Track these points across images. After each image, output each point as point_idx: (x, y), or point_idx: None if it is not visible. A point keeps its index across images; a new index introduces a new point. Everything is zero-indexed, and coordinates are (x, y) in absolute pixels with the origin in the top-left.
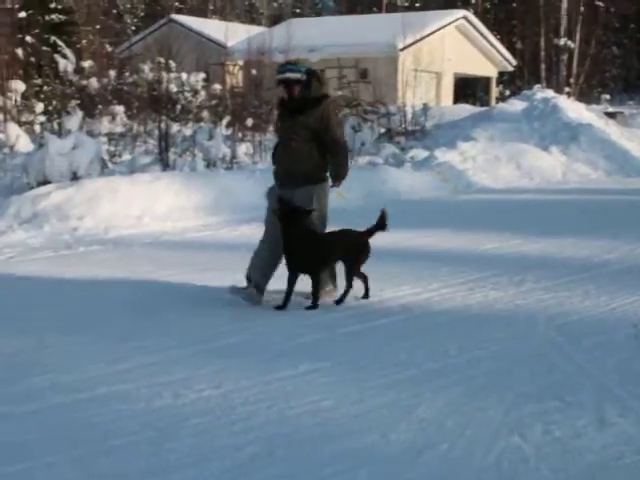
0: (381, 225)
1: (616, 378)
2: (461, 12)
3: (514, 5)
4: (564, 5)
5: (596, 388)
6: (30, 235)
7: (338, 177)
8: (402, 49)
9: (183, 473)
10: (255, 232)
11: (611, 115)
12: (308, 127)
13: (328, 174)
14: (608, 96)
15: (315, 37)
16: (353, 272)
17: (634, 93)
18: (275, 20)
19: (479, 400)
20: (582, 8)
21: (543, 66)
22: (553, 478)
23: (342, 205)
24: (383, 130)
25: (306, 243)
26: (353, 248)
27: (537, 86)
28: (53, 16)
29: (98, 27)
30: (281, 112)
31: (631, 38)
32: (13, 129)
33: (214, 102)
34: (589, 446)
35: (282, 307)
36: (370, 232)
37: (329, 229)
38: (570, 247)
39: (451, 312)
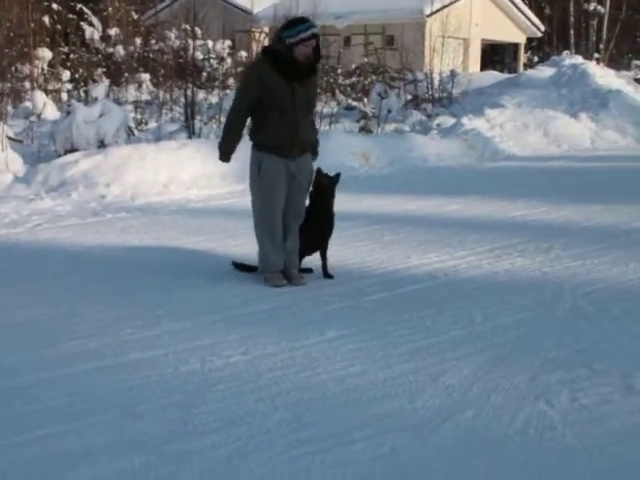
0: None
1: None
2: None
3: None
4: None
5: (624, 356)
6: (57, 203)
7: (316, 150)
8: (429, 15)
9: (210, 437)
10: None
11: None
12: (310, 94)
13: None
14: (639, 62)
15: (341, 3)
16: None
17: None
18: None
19: (505, 367)
20: None
21: (572, 32)
22: (579, 445)
23: (368, 172)
24: (410, 97)
25: (331, 217)
26: None
27: (566, 52)
28: None
29: None
30: (283, 77)
31: None
32: (40, 97)
33: (240, 69)
34: (616, 413)
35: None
36: None
37: None
38: (598, 214)
39: (478, 279)
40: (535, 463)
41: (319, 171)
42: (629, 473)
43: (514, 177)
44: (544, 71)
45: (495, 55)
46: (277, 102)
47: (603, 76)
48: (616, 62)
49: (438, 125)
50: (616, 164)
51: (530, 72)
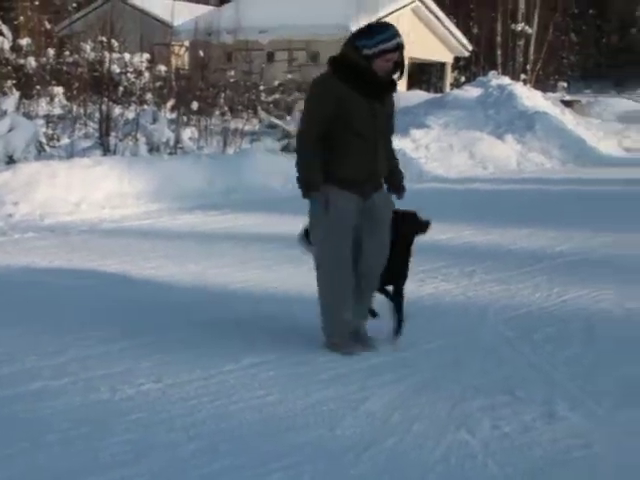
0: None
1: (566, 372)
2: None
3: None
4: None
5: (546, 382)
6: None
7: (401, 185)
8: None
9: (120, 470)
10: (198, 221)
11: (568, 103)
12: (391, 115)
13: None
14: (565, 84)
15: (265, 18)
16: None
17: (591, 81)
18: None
19: (427, 394)
20: None
21: (499, 52)
22: (501, 474)
23: (290, 193)
24: None
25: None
26: None
27: (492, 72)
28: None
29: (37, 2)
30: (362, 94)
31: (589, 25)
32: None
33: (158, 84)
34: (538, 441)
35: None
36: None
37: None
38: (523, 238)
39: None
40: None
41: (399, 215)
42: None
43: (439, 199)
44: (471, 91)
45: (422, 74)
46: (355, 125)
47: (529, 97)
48: (543, 83)
49: None
50: (542, 187)
51: (457, 92)
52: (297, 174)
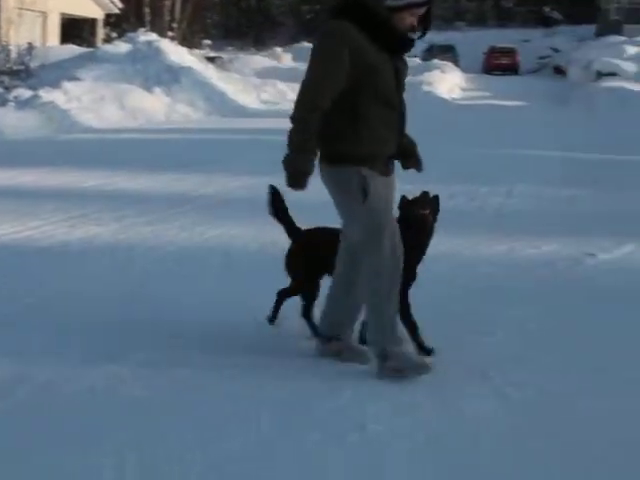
0: None
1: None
2: None
3: None
4: None
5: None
6: None
7: (419, 158)
8: None
9: None
10: None
11: (211, 59)
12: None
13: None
14: (209, 42)
15: None
16: None
17: (233, 39)
18: None
19: (76, 334)
20: None
21: (147, 10)
22: (146, 394)
23: None
24: None
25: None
26: None
27: (142, 29)
28: None
29: None
30: (384, 49)
31: None
32: None
33: None
34: (184, 363)
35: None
36: None
37: None
38: (173, 182)
39: (51, 249)
40: (107, 416)
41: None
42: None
43: (91, 148)
44: (120, 47)
45: (74, 29)
46: (379, 87)
47: (176, 53)
48: (188, 41)
49: (15, 97)
50: (186, 136)
51: (107, 47)
52: (288, 152)
